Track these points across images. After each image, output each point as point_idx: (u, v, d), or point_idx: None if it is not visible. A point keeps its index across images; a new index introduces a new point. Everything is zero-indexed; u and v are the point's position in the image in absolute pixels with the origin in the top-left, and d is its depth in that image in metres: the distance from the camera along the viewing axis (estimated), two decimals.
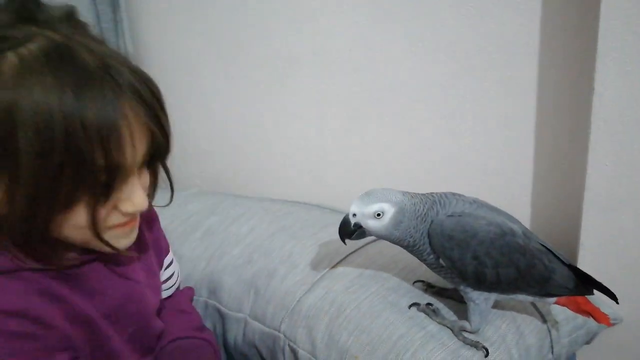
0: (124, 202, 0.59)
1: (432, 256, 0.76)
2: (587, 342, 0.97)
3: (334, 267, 0.92)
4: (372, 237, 0.93)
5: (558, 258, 0.78)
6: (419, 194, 0.76)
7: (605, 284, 0.78)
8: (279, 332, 0.88)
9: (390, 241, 0.77)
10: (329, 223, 1.03)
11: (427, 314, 0.82)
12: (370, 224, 0.74)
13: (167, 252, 0.83)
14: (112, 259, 0.67)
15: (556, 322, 0.88)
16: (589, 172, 0.92)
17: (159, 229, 0.81)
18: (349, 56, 1.12)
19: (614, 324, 0.97)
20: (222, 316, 0.97)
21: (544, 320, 0.87)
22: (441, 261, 0.75)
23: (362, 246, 0.95)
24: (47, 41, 0.52)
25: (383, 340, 0.79)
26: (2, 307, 0.57)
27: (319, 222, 1.05)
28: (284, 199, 1.22)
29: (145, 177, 0.62)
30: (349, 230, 0.75)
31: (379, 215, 0.73)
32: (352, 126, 1.18)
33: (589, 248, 0.96)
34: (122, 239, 0.63)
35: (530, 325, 0.85)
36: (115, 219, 0.59)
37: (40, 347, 0.59)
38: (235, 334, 0.95)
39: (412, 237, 0.75)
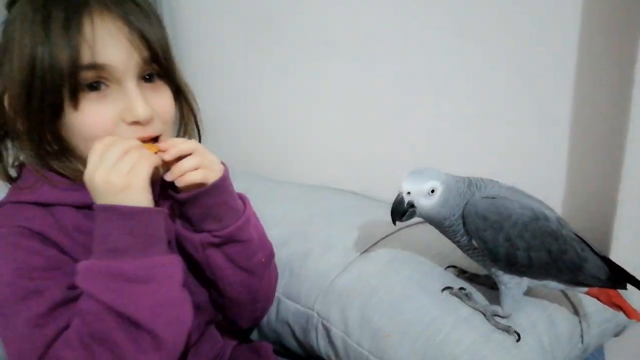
0: (125, 111, 0.64)
1: (465, 237, 0.77)
2: (616, 335, 0.97)
3: (367, 250, 0.94)
4: (405, 223, 0.95)
5: (591, 249, 0.78)
6: (455, 175, 0.78)
7: (638, 277, 0.78)
8: (313, 310, 0.91)
9: (433, 221, 0.78)
10: (363, 208, 1.06)
11: (460, 298, 0.83)
12: (423, 202, 0.75)
13: None
14: None
15: (587, 313, 0.89)
16: (626, 164, 0.92)
17: None
18: (381, 40, 1.13)
19: None
20: None
21: (575, 310, 0.88)
22: (474, 242, 0.76)
23: (396, 231, 0.97)
24: None
25: (415, 322, 0.81)
26: (26, 225, 0.64)
27: (353, 207, 1.07)
28: (314, 184, 1.24)
29: (156, 95, 0.68)
30: (402, 209, 0.75)
31: (432, 192, 0.74)
32: (383, 111, 1.19)
33: (622, 241, 0.96)
34: None
35: (561, 314, 0.86)
36: (123, 132, 0.65)
37: (47, 266, 0.64)
38: (268, 312, 0.97)
39: (454, 215, 0.76)
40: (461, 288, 0.84)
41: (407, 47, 1.11)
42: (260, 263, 0.77)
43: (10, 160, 0.70)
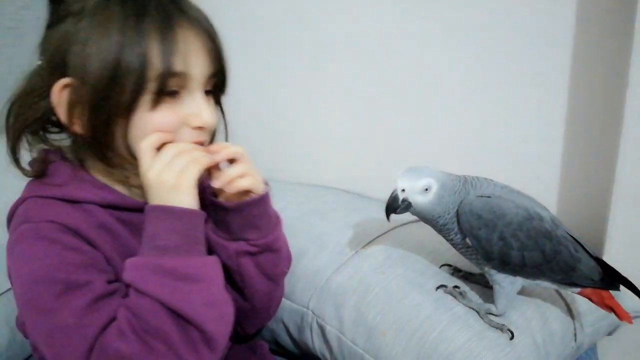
0: (192, 116, 0.66)
1: (458, 236, 0.77)
2: (609, 334, 0.98)
3: (362, 248, 0.94)
4: (400, 221, 0.96)
5: (585, 250, 0.79)
6: (451, 173, 0.78)
7: (631, 278, 0.79)
8: (308, 309, 0.91)
9: (427, 218, 0.78)
10: (358, 206, 1.06)
11: (454, 296, 0.83)
12: (418, 199, 0.75)
13: None
14: None
15: (580, 312, 0.89)
16: (619, 166, 0.92)
17: None
18: (381, 42, 1.14)
19: (635, 317, 0.98)
20: None
21: (569, 309, 0.89)
22: (467, 241, 0.76)
23: (390, 229, 0.98)
24: None
25: (410, 319, 0.81)
26: (60, 221, 0.64)
27: (347, 206, 1.07)
28: (313, 183, 1.24)
29: (212, 105, 0.70)
30: (397, 205, 0.75)
31: (427, 190, 0.75)
32: (382, 112, 1.19)
33: (616, 242, 0.96)
34: None
35: (554, 312, 0.87)
36: (184, 135, 0.66)
37: (84, 261, 0.64)
38: None
39: (449, 213, 0.76)
40: (455, 286, 0.85)
41: (404, 49, 1.12)
42: (283, 272, 0.79)
43: (25, 154, 0.69)
